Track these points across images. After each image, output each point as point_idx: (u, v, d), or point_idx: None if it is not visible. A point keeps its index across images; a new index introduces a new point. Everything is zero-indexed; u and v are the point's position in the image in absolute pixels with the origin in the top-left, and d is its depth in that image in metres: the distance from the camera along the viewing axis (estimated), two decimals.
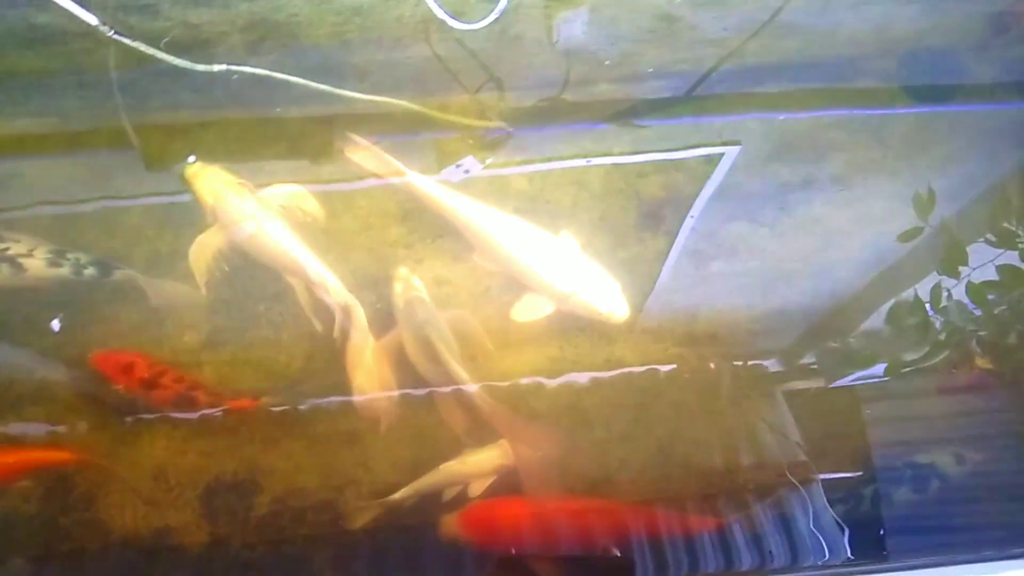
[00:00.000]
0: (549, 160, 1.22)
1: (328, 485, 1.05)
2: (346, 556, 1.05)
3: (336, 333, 1.07)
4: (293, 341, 1.11)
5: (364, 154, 1.14)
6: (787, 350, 1.18)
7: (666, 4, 1.22)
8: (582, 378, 1.12)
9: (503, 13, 1.13)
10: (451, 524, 1.02)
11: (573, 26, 1.23)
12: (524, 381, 1.11)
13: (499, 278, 1.14)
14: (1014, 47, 1.30)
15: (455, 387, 1.06)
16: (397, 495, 1.03)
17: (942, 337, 1.20)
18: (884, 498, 1.10)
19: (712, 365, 1.14)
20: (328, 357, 1.08)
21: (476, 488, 1.04)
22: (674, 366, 1.13)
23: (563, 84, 1.24)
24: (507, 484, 1.04)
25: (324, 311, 1.09)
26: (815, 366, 1.18)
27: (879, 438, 1.13)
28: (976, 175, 1.26)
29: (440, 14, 1.11)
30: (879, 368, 1.17)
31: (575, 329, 1.13)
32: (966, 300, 1.19)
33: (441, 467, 1.05)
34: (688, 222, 1.20)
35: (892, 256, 1.21)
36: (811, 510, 1.07)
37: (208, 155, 1.14)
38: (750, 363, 1.15)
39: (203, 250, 1.08)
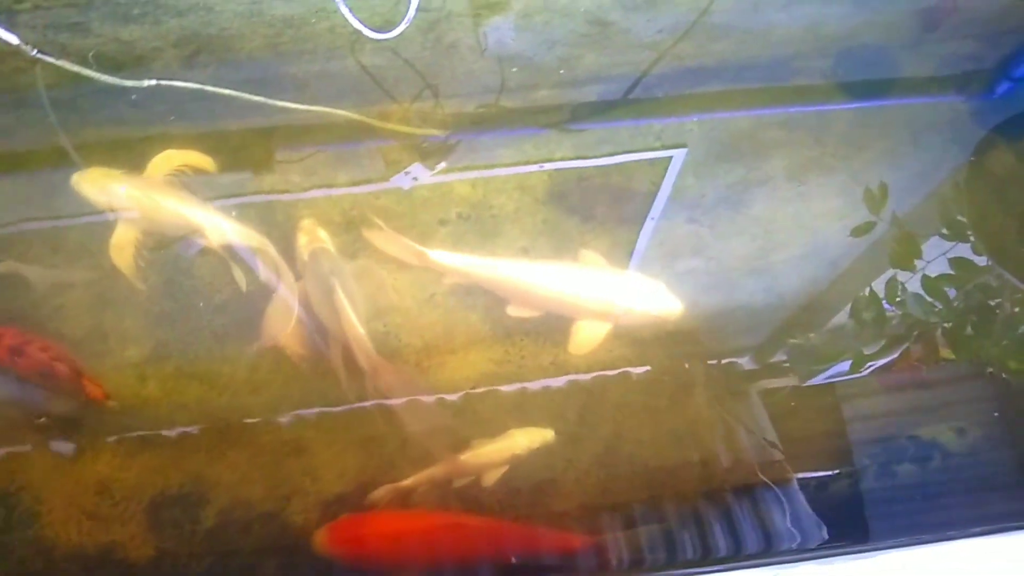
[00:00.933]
0: (492, 166, 1.23)
1: (274, 496, 1.06)
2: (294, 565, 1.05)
3: (263, 278, 1.10)
4: (236, 352, 1.11)
5: (385, 239, 1.15)
6: (738, 349, 1.19)
7: (596, 8, 1.23)
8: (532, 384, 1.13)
9: (437, 21, 1.14)
10: (321, 539, 1.01)
11: (503, 32, 1.25)
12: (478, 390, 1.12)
13: (443, 285, 1.14)
14: (947, 42, 1.33)
15: (347, 338, 1.07)
16: (404, 483, 1.04)
17: (901, 331, 1.21)
18: (856, 494, 1.11)
19: (680, 365, 1.15)
20: (272, 366, 1.09)
21: (488, 479, 1.05)
22: (624, 369, 1.14)
23: (501, 90, 1.26)
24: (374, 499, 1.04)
25: (243, 264, 1.11)
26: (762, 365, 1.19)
27: (845, 435, 1.15)
28: (924, 169, 1.28)
29: (356, 24, 1.12)
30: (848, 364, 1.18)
31: (520, 332, 1.14)
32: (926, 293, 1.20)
33: (450, 458, 1.05)
34: (647, 224, 1.21)
35: (857, 251, 1.23)
36: (788, 510, 1.07)
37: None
38: (710, 362, 1.16)
39: (119, 250, 1.10)
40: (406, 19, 1.11)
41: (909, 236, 1.22)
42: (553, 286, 1.12)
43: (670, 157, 1.26)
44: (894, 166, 1.26)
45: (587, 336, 1.12)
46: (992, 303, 1.23)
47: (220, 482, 1.06)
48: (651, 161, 1.26)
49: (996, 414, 1.17)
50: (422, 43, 1.18)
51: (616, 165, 1.25)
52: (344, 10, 1.05)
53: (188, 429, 1.08)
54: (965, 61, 1.31)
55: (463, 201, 1.21)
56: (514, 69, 1.26)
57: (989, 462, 1.16)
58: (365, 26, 1.12)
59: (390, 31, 1.14)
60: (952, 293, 1.22)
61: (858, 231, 1.22)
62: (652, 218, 1.22)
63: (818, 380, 1.19)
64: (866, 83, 1.32)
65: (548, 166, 1.23)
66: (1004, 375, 1.16)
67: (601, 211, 1.21)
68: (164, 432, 1.07)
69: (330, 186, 1.20)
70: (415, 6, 1.06)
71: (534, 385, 1.13)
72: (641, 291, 1.12)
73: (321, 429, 1.09)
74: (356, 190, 1.20)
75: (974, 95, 1.31)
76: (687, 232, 1.21)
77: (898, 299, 1.22)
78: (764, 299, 1.20)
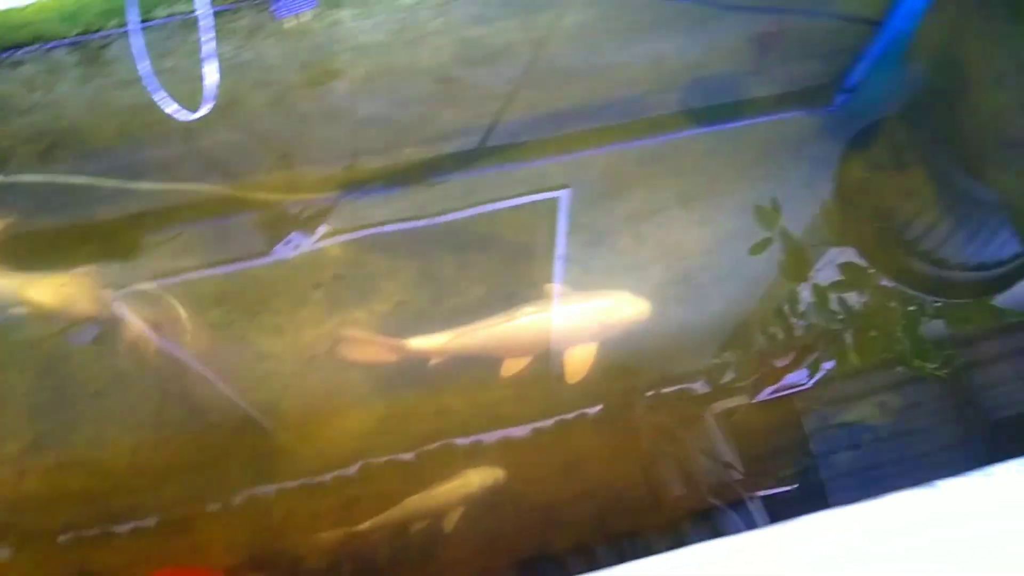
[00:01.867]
0: (368, 226, 1.26)
1: None
2: None
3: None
4: (118, 436, 1.11)
5: (360, 345, 1.16)
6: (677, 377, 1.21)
7: (438, 67, 1.28)
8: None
9: (281, 94, 1.17)
10: None
11: (351, 97, 1.28)
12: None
13: (322, 348, 1.16)
14: (786, 64, 1.39)
15: None
16: (363, 526, 1.04)
17: (808, 341, 1.24)
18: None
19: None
20: (152, 448, 1.10)
21: (448, 521, 1.06)
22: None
23: (365, 152, 1.29)
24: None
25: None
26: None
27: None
28: (805, 179, 1.32)
29: (168, 109, 1.10)
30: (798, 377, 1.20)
31: (400, 384, 1.16)
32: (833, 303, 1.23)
33: (408, 500, 1.06)
34: (556, 263, 1.23)
35: (760, 269, 1.26)
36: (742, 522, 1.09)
37: (21, 264, 1.16)
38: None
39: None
40: (209, 98, 1.10)
41: (798, 249, 1.25)
42: (533, 328, 1.14)
43: (555, 198, 1.28)
44: (779, 181, 1.30)
45: (579, 361, 1.14)
46: (892, 304, 1.27)
47: (107, 568, 1.06)
48: (529, 205, 1.29)
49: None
50: (272, 116, 1.21)
51: (491, 212, 1.28)
52: (155, 95, 1.05)
53: (72, 519, 1.08)
54: (804, 79, 1.37)
55: (336, 262, 1.23)
56: (374, 130, 1.29)
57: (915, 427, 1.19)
58: (177, 105, 1.10)
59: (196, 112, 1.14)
60: (853, 298, 1.26)
61: (757, 249, 1.25)
62: (559, 257, 1.25)
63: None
64: (717, 108, 1.37)
65: (422, 221, 1.26)
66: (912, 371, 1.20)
67: (476, 257, 1.24)
68: (48, 525, 1.07)
69: (208, 265, 1.22)
70: (215, 87, 1.05)
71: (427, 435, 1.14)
72: (613, 303, 1.15)
73: (207, 504, 1.09)
74: (238, 266, 1.22)
75: (816, 109, 1.37)
76: (592, 268, 1.24)
77: (801, 311, 1.25)
78: (694, 322, 1.23)
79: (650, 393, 1.17)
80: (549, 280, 1.23)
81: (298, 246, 1.24)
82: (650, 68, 1.34)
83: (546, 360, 1.15)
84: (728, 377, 1.20)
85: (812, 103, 1.36)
